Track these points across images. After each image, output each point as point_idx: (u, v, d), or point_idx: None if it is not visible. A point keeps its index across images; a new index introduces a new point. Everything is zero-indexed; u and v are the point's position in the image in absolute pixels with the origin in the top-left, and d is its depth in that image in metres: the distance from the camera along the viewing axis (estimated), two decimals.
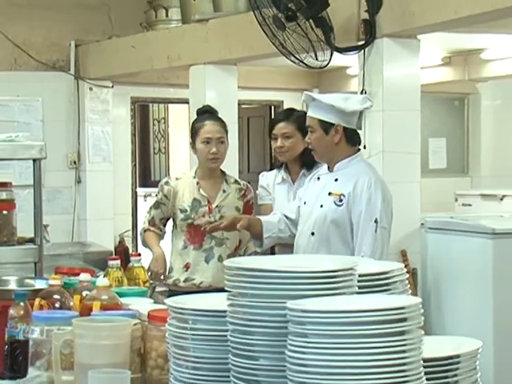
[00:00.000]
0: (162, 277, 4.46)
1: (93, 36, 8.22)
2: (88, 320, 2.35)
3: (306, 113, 4.78)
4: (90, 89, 8.22)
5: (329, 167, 4.06)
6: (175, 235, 4.62)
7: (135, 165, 8.91)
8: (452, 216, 6.24)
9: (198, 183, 4.57)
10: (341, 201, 3.92)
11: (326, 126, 3.96)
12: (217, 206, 4.54)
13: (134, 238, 8.73)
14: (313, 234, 3.97)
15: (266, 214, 4.57)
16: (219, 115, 4.77)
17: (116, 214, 8.37)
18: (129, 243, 8.54)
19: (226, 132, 4.65)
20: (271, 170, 5.09)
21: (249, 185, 4.79)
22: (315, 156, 4.13)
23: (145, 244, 4.71)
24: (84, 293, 2.72)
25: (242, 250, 4.63)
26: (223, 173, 4.68)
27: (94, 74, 8.19)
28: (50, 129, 8.02)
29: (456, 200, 8.56)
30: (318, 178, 4.08)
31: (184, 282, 4.52)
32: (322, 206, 3.96)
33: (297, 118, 4.65)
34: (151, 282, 4.18)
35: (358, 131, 4.12)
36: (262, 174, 4.95)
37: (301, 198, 4.16)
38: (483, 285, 5.16)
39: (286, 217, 4.16)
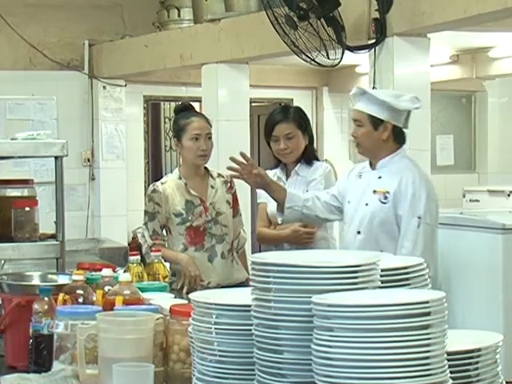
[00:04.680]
0: (199, 282, 4.29)
1: (106, 36, 8.26)
2: (112, 314, 2.38)
3: (299, 107, 4.86)
4: (104, 87, 8.26)
5: (371, 164, 4.01)
6: (171, 240, 4.48)
7: (148, 162, 8.96)
8: (461, 212, 6.25)
9: (186, 184, 4.45)
10: (386, 198, 3.86)
11: (376, 122, 3.90)
12: (211, 204, 4.44)
13: None
14: (359, 232, 3.91)
15: (259, 213, 4.64)
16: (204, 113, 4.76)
17: (129, 210, 8.40)
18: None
19: (211, 127, 4.54)
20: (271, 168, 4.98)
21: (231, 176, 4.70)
22: (359, 150, 4.04)
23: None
24: (106, 288, 2.75)
25: (235, 241, 4.55)
26: (206, 168, 4.56)
27: (108, 73, 8.24)
28: (65, 127, 8.06)
29: (464, 196, 8.59)
30: (360, 176, 4.01)
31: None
32: (367, 204, 3.90)
33: (295, 116, 4.57)
34: (188, 288, 4.13)
35: (405, 131, 4.08)
36: None
37: (333, 189, 4.11)
38: (493, 279, 5.17)
39: (317, 197, 4.10)
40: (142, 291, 2.75)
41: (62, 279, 2.94)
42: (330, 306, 1.75)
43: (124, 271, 3.23)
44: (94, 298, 2.71)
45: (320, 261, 1.90)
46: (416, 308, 1.71)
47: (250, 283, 1.98)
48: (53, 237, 3.60)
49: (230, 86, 7.05)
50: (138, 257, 3.34)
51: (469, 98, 9.54)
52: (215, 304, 2.05)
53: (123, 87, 8.36)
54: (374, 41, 5.63)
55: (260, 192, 4.59)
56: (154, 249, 4.26)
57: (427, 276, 2.10)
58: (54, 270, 3.51)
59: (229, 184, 4.56)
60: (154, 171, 10.06)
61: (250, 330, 1.96)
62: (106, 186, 8.29)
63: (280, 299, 1.88)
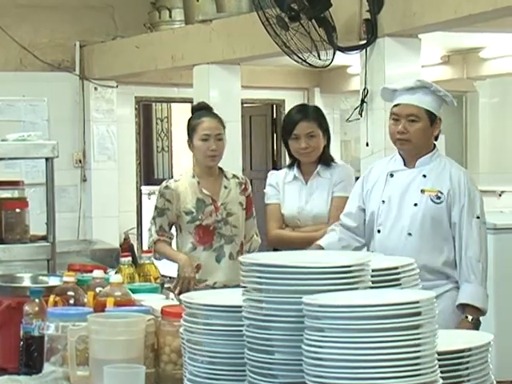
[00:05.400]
0: (193, 284, 4.29)
1: (97, 37, 8.27)
2: (103, 316, 2.37)
3: (317, 107, 4.72)
4: (95, 89, 8.27)
5: (405, 163, 3.78)
6: (180, 238, 4.48)
7: (140, 163, 8.97)
8: None
9: (198, 183, 4.45)
10: (439, 198, 3.68)
11: (432, 118, 3.70)
12: (222, 204, 4.43)
13: (139, 235, 8.78)
14: (410, 234, 3.69)
15: (272, 214, 4.44)
16: (217, 113, 4.59)
17: (121, 211, 8.42)
18: (134, 240, 8.59)
19: (224, 128, 4.48)
20: (274, 168, 4.90)
21: (247, 178, 4.68)
22: (406, 146, 3.75)
23: (158, 256, 4.44)
24: (97, 289, 2.74)
25: (247, 245, 4.54)
26: (220, 169, 4.54)
27: (99, 74, 8.24)
28: (56, 128, 8.06)
29: None
30: (392, 175, 3.79)
31: (197, 283, 4.34)
32: (416, 204, 3.69)
33: (315, 115, 4.45)
34: (179, 288, 4.14)
35: None
36: (270, 172, 4.72)
37: (353, 205, 3.87)
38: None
39: (347, 227, 3.88)
40: (134, 292, 2.74)
41: (53, 281, 2.93)
42: (320, 306, 1.75)
43: (115, 272, 3.22)
44: (85, 300, 2.70)
45: (310, 261, 1.90)
46: (406, 308, 1.72)
47: (241, 284, 1.98)
48: (43, 238, 3.60)
49: (222, 86, 7.06)
50: (130, 258, 3.33)
51: (460, 98, 9.56)
52: (206, 305, 2.05)
53: (114, 88, 8.37)
54: (365, 41, 5.64)
55: (269, 192, 4.49)
56: (158, 244, 4.41)
57: (418, 276, 2.10)
58: (45, 271, 3.51)
59: (243, 186, 4.54)
60: (146, 172, 10.08)
61: (241, 330, 1.96)
62: (98, 187, 8.30)
63: (271, 300, 1.88)
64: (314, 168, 4.42)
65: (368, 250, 3.88)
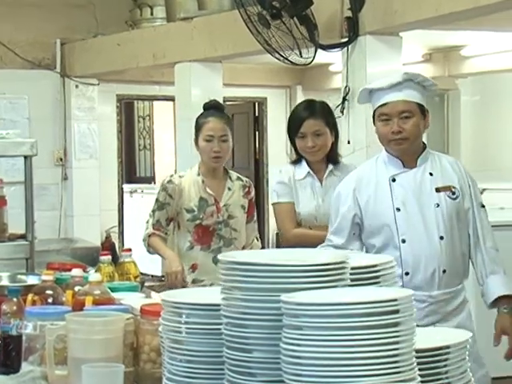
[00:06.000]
0: (180, 279, 4.23)
1: (78, 34, 8.24)
2: (81, 315, 2.36)
3: (324, 102, 4.43)
4: (76, 86, 8.25)
5: (403, 164, 3.52)
6: (178, 235, 4.41)
7: (121, 161, 8.95)
8: None
9: (203, 181, 4.37)
10: (454, 193, 3.49)
11: (423, 111, 3.50)
12: (224, 205, 4.36)
13: (121, 233, 8.77)
14: (442, 238, 3.45)
15: (287, 213, 4.22)
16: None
17: (102, 210, 8.40)
18: (115, 239, 8.58)
19: (231, 130, 4.38)
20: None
21: (251, 181, 4.60)
22: (403, 146, 3.50)
23: (151, 250, 4.43)
24: (76, 288, 2.73)
25: (247, 248, 4.42)
26: (225, 169, 4.47)
27: (80, 72, 8.21)
28: (37, 126, 8.04)
29: None
30: (394, 180, 3.51)
31: (192, 283, 4.28)
32: (438, 205, 3.46)
33: (322, 112, 4.26)
34: (169, 286, 4.07)
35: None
36: (277, 169, 4.48)
37: (363, 210, 3.53)
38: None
39: (338, 247, 3.52)
40: (113, 291, 2.74)
41: (32, 280, 2.93)
42: (298, 304, 1.75)
43: (95, 271, 3.21)
44: (64, 299, 2.69)
45: (289, 259, 1.90)
46: (384, 306, 1.71)
47: (220, 282, 1.97)
48: (22, 237, 3.58)
49: (204, 84, 7.05)
50: (109, 257, 3.33)
51: (441, 96, 9.59)
52: (185, 303, 2.04)
53: (96, 86, 8.35)
54: (346, 39, 5.66)
55: (280, 190, 4.25)
56: (152, 238, 4.34)
57: (396, 274, 2.10)
58: (24, 270, 3.49)
59: (247, 189, 4.47)
60: (128, 170, 10.06)
61: (220, 329, 1.96)
62: (79, 185, 8.28)
63: (249, 298, 1.87)
64: (322, 165, 4.27)
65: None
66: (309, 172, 4.24)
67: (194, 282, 4.33)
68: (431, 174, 3.50)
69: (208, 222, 4.34)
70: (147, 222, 4.43)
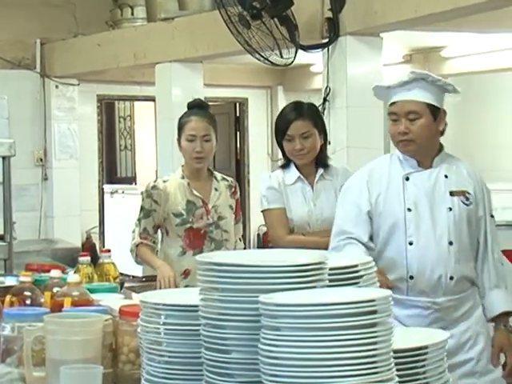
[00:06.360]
0: (173, 283, 4.07)
1: (58, 34, 8.21)
2: (59, 316, 2.35)
3: (312, 103, 4.34)
4: (56, 87, 8.22)
5: (419, 163, 3.40)
6: (167, 242, 4.27)
7: (102, 162, 8.93)
8: None
9: (189, 184, 4.25)
10: (467, 199, 3.37)
11: (435, 111, 3.36)
12: (213, 206, 4.26)
13: (101, 234, 8.74)
14: (451, 243, 3.33)
15: (279, 219, 4.07)
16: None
17: (83, 210, 8.38)
18: (96, 239, 8.56)
19: (215, 129, 4.26)
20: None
21: (236, 181, 4.51)
22: (411, 148, 3.38)
23: (140, 261, 4.30)
24: (55, 289, 2.72)
25: (231, 249, 4.28)
26: (209, 170, 4.37)
27: (60, 72, 8.18)
28: (16, 127, 8.00)
29: None
30: (408, 178, 3.39)
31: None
32: (450, 209, 3.34)
33: (310, 113, 4.14)
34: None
35: None
36: (266, 174, 4.29)
37: (374, 204, 3.40)
38: None
39: (362, 242, 3.38)
40: (92, 292, 2.73)
41: (10, 281, 2.91)
42: (276, 305, 1.75)
43: (74, 272, 3.20)
44: (42, 300, 2.68)
45: (267, 260, 1.89)
46: (362, 306, 1.71)
47: (198, 283, 1.97)
48: (1, 238, 3.56)
49: (184, 85, 7.04)
50: (88, 258, 3.31)
51: None
52: (163, 304, 2.04)
53: (76, 86, 8.32)
54: (327, 40, 5.67)
55: (270, 195, 4.09)
56: (140, 248, 4.19)
57: (375, 274, 2.09)
58: (2, 271, 3.48)
59: (233, 189, 4.38)
60: (109, 171, 10.04)
61: (198, 330, 1.95)
62: (59, 185, 8.25)
63: (227, 299, 1.87)
64: (312, 169, 4.14)
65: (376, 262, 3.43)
66: (299, 176, 4.11)
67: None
68: (446, 177, 3.38)
69: (199, 224, 4.23)
70: (133, 232, 4.28)
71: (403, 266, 3.32)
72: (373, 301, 1.73)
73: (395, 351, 1.80)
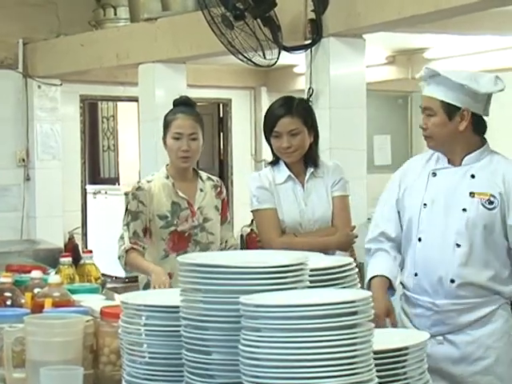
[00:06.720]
0: (168, 284, 3.86)
1: (40, 34, 8.17)
2: (40, 317, 2.34)
3: (304, 99, 4.19)
4: (39, 87, 8.18)
5: (449, 160, 3.32)
6: (150, 245, 4.08)
7: (84, 162, 8.91)
8: None
9: (173, 184, 4.10)
10: (491, 203, 3.21)
11: (451, 110, 3.23)
12: (199, 208, 4.11)
13: (84, 235, 8.71)
14: (458, 245, 3.22)
15: (271, 220, 3.94)
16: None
17: (65, 211, 8.34)
18: (78, 240, 8.53)
19: (202, 128, 4.13)
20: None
21: (221, 181, 4.36)
22: (429, 144, 3.33)
23: (130, 268, 4.14)
24: (35, 290, 2.72)
25: (224, 247, 4.20)
26: (195, 170, 4.21)
27: (43, 72, 8.15)
28: None
29: None
30: (435, 174, 3.33)
31: None
32: (464, 210, 3.22)
33: (300, 110, 3.96)
34: None
35: (485, 118, 3.34)
36: (255, 174, 4.15)
37: (390, 210, 3.40)
38: None
39: (391, 239, 3.39)
40: (73, 293, 2.73)
41: None
42: (257, 306, 1.75)
43: (55, 273, 3.19)
44: (23, 301, 2.67)
45: (248, 261, 1.90)
46: (342, 308, 1.72)
47: (179, 284, 1.97)
48: None
49: (167, 85, 7.03)
50: (70, 258, 3.30)
51: (405, 98, 9.66)
52: (144, 305, 2.04)
53: (58, 86, 8.29)
54: (310, 41, 5.67)
55: (260, 195, 3.95)
56: (130, 254, 3.98)
57: (356, 276, 2.10)
58: None
59: (219, 188, 4.22)
60: (92, 171, 10.01)
61: (179, 331, 1.96)
62: (42, 186, 8.21)
63: (208, 300, 1.87)
64: (301, 167, 4.00)
65: (404, 261, 3.38)
66: (289, 175, 3.97)
67: None
68: (473, 177, 3.26)
69: (183, 227, 4.09)
70: (122, 238, 4.07)
71: (412, 261, 3.31)
72: (353, 302, 1.74)
73: (376, 352, 1.81)
